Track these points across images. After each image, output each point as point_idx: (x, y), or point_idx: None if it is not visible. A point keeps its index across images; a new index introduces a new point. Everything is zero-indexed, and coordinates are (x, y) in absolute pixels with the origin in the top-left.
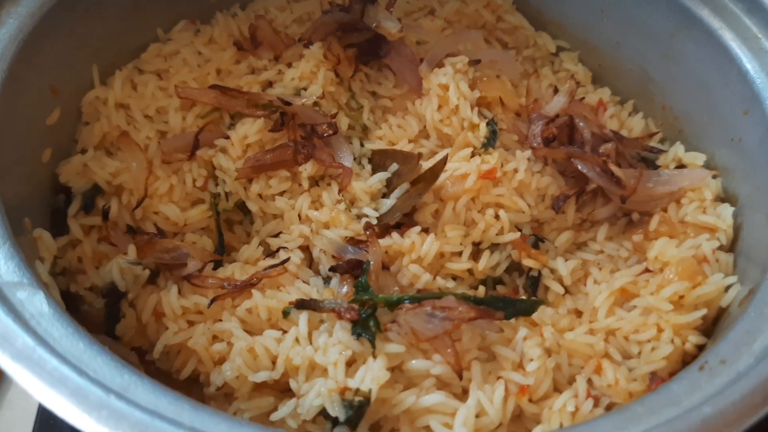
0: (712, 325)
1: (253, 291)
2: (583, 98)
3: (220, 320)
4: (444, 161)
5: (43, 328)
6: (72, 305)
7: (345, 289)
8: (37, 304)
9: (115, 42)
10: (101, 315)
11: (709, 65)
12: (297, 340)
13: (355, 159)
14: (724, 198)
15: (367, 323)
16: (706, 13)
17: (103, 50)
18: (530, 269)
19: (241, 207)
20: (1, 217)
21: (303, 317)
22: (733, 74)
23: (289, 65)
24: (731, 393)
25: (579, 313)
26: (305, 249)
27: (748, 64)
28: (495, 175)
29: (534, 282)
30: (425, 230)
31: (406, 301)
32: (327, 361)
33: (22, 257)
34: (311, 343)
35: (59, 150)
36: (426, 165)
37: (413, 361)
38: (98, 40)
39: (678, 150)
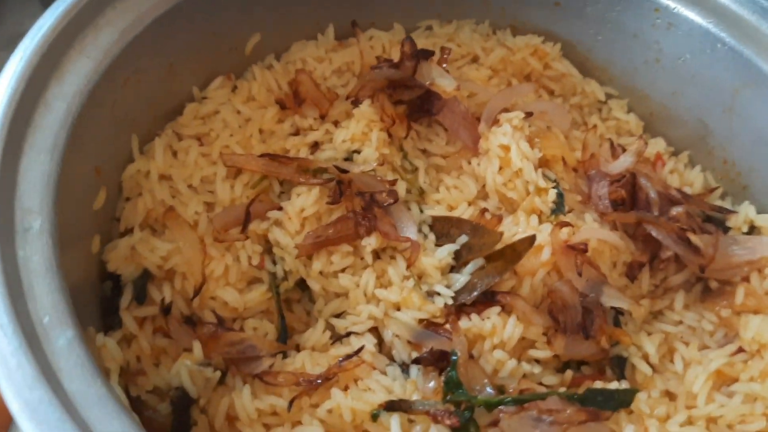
0: None
1: (333, 389)
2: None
3: (300, 423)
4: (531, 241)
5: None
6: (134, 411)
7: (432, 383)
8: None
9: (152, 107)
10: (168, 422)
11: None
12: None
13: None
14: None
15: (467, 429)
16: None
17: (140, 119)
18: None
19: (299, 284)
20: (85, 350)
21: (395, 420)
22: None
23: (336, 124)
24: None
25: (671, 395)
26: (374, 331)
27: None
28: (583, 249)
29: (620, 362)
30: (503, 309)
31: (509, 403)
32: None
33: (121, 399)
34: None
35: (106, 234)
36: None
37: None
38: (136, 109)
39: (749, 211)
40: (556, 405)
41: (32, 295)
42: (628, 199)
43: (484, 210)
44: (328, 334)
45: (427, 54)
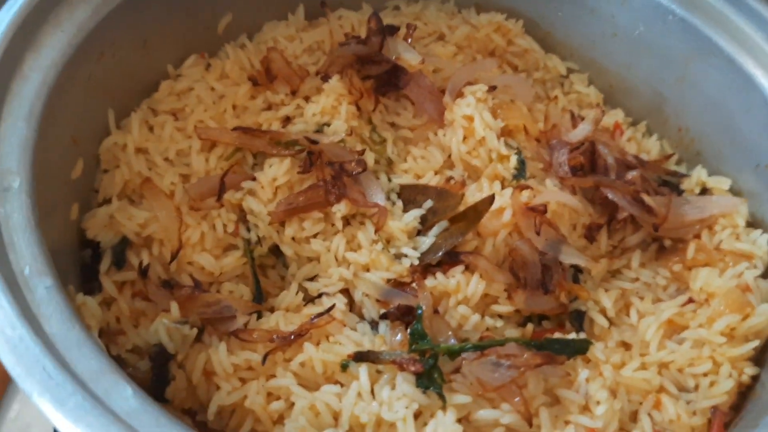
0: (761, 354)
1: (305, 344)
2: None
3: (274, 376)
4: (491, 200)
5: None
6: None
7: (399, 337)
8: (126, 399)
9: (128, 83)
10: (147, 378)
11: (729, 91)
12: (360, 394)
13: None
14: (752, 222)
15: (431, 375)
16: (724, 40)
17: (116, 93)
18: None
19: (274, 251)
20: (63, 298)
21: (363, 370)
22: (756, 101)
23: (307, 99)
24: None
25: (626, 345)
26: (345, 292)
27: None
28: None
29: (579, 316)
30: (467, 268)
31: (469, 350)
32: (395, 417)
33: (99, 344)
34: (374, 398)
35: (84, 203)
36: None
37: (481, 411)
38: (112, 84)
39: (701, 174)
40: (514, 350)
41: (13, 248)
42: (588, 165)
43: (450, 178)
44: (300, 296)
45: (392, 30)
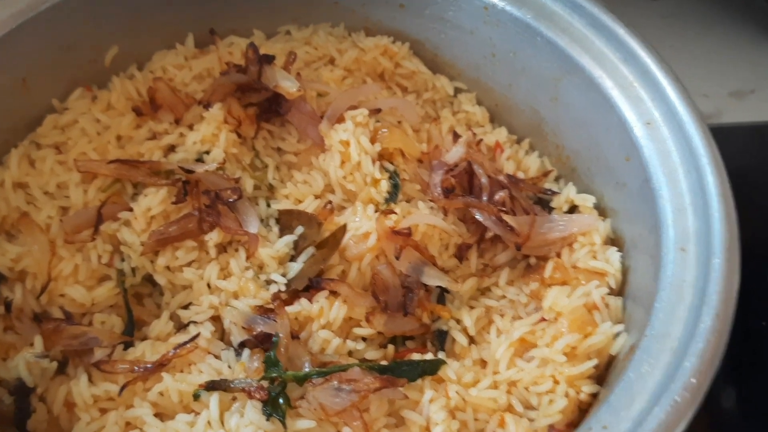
0: (605, 371)
1: (164, 374)
2: (481, 140)
3: (132, 406)
4: (344, 229)
5: None
6: None
7: (256, 364)
8: None
9: (8, 120)
10: (11, 411)
11: (592, 111)
12: (209, 423)
13: (262, 221)
14: (614, 239)
15: (276, 402)
16: (586, 61)
17: None
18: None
19: (150, 279)
20: None
21: (213, 399)
22: (614, 121)
23: (191, 127)
24: None
25: (483, 363)
26: (217, 319)
27: (627, 112)
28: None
29: (441, 335)
30: (332, 293)
31: (314, 377)
32: None
33: None
34: (223, 426)
35: None
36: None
37: None
38: None
39: (570, 191)
40: (357, 375)
41: None
42: (466, 185)
43: (328, 202)
44: (171, 324)
45: (269, 58)
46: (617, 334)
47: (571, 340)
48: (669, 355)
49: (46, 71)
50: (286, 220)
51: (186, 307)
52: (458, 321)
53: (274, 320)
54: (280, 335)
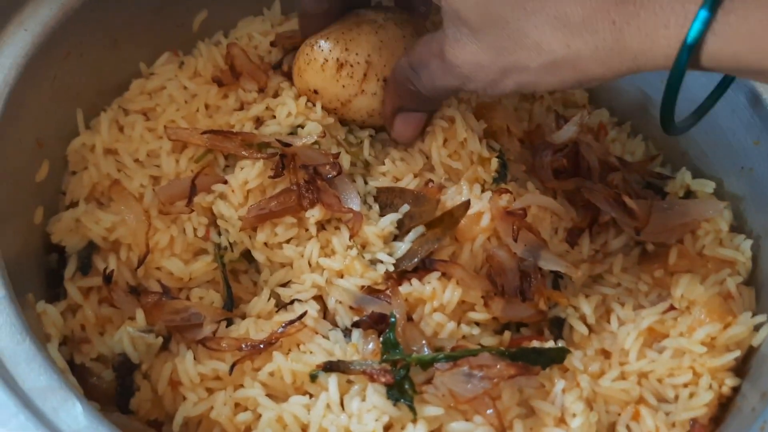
0: (743, 364)
1: (274, 353)
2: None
3: (242, 386)
4: (466, 206)
5: None
6: (79, 378)
7: (371, 345)
8: (75, 417)
9: (97, 82)
10: (112, 388)
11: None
12: (328, 406)
13: (360, 197)
14: (736, 227)
15: (402, 386)
16: None
17: (84, 93)
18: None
19: (246, 255)
20: (15, 309)
21: (333, 381)
22: (740, 102)
23: (276, 95)
24: None
25: (606, 354)
26: (318, 298)
27: (759, 90)
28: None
29: (558, 323)
30: (443, 274)
31: (442, 361)
32: (365, 430)
33: (53, 357)
34: (344, 410)
35: (50, 207)
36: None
37: (454, 424)
38: (80, 84)
39: (685, 177)
40: (487, 361)
41: None
42: (571, 167)
43: (429, 181)
44: (272, 302)
45: None
46: (760, 325)
47: (712, 330)
48: None
49: (137, 33)
50: (385, 198)
51: (285, 285)
52: (575, 308)
53: (387, 301)
54: (397, 315)
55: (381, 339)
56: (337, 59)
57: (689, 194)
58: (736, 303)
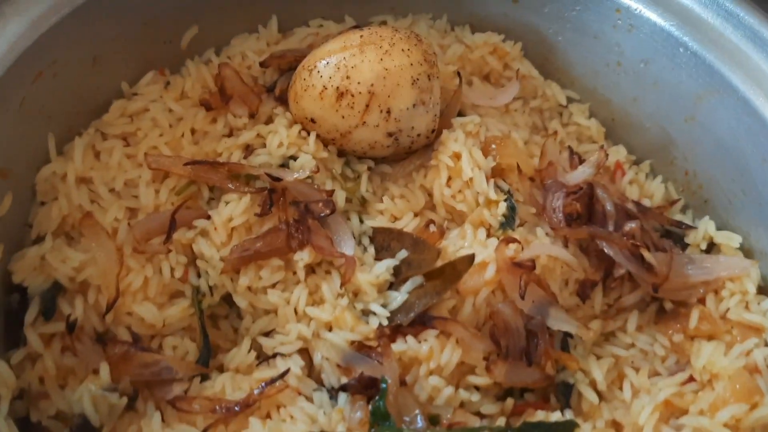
0: None
1: (251, 419)
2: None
3: None
4: (471, 260)
5: None
6: None
7: (359, 414)
8: None
9: (73, 104)
10: None
11: (743, 136)
12: None
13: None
14: (764, 288)
15: None
16: (740, 79)
17: (57, 116)
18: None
19: (227, 298)
20: None
21: None
22: None
23: (268, 122)
24: None
25: (618, 426)
26: (304, 351)
27: None
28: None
29: (566, 388)
30: (442, 331)
31: None
32: None
33: None
34: None
35: (13, 241)
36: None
37: None
38: (52, 106)
39: (709, 227)
40: None
41: None
42: (584, 212)
43: (430, 222)
44: (253, 354)
45: None
46: None
47: (737, 411)
48: None
49: (119, 50)
50: (382, 240)
51: (268, 334)
52: (585, 372)
53: (379, 361)
54: (389, 381)
55: (370, 407)
56: (337, 88)
57: (712, 247)
58: (765, 379)
